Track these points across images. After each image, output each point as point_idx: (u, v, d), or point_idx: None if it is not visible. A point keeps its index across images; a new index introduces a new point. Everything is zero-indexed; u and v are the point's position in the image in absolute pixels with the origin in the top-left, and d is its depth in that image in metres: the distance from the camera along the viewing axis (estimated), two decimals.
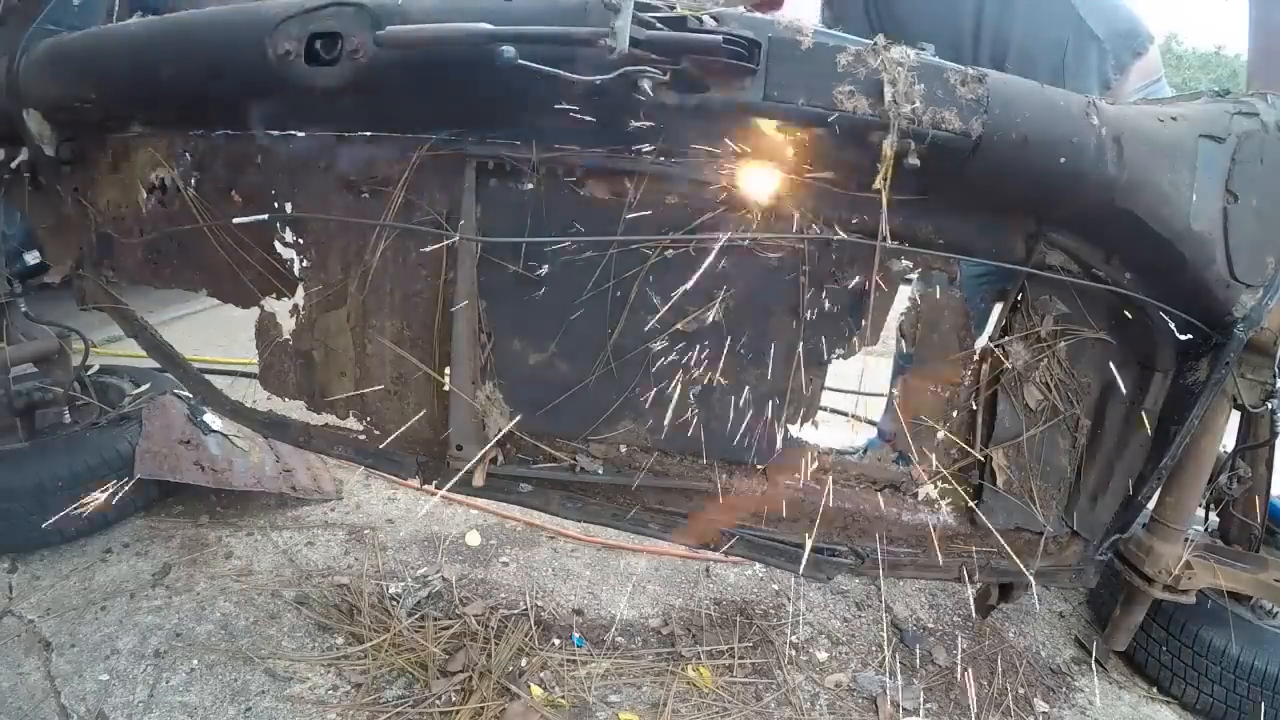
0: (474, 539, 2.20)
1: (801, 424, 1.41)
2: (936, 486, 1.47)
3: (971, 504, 1.47)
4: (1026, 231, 1.28)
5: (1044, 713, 1.73)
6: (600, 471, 1.44)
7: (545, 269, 1.33)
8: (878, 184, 1.09)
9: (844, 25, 2.04)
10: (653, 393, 1.38)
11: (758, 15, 1.12)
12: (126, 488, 1.96)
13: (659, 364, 1.37)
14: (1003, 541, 1.42)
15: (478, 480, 1.42)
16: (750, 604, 2.00)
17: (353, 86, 1.18)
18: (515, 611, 1.88)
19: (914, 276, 1.38)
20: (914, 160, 1.06)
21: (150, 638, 1.70)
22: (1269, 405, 1.47)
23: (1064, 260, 1.29)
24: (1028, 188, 1.18)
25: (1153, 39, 1.88)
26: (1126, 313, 1.35)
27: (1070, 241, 1.27)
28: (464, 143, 1.29)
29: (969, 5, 1.84)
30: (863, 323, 1.33)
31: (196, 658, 1.65)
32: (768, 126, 1.12)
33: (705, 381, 1.38)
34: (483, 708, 1.56)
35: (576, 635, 1.82)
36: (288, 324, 1.50)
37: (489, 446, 1.39)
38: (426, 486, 1.54)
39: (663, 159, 1.26)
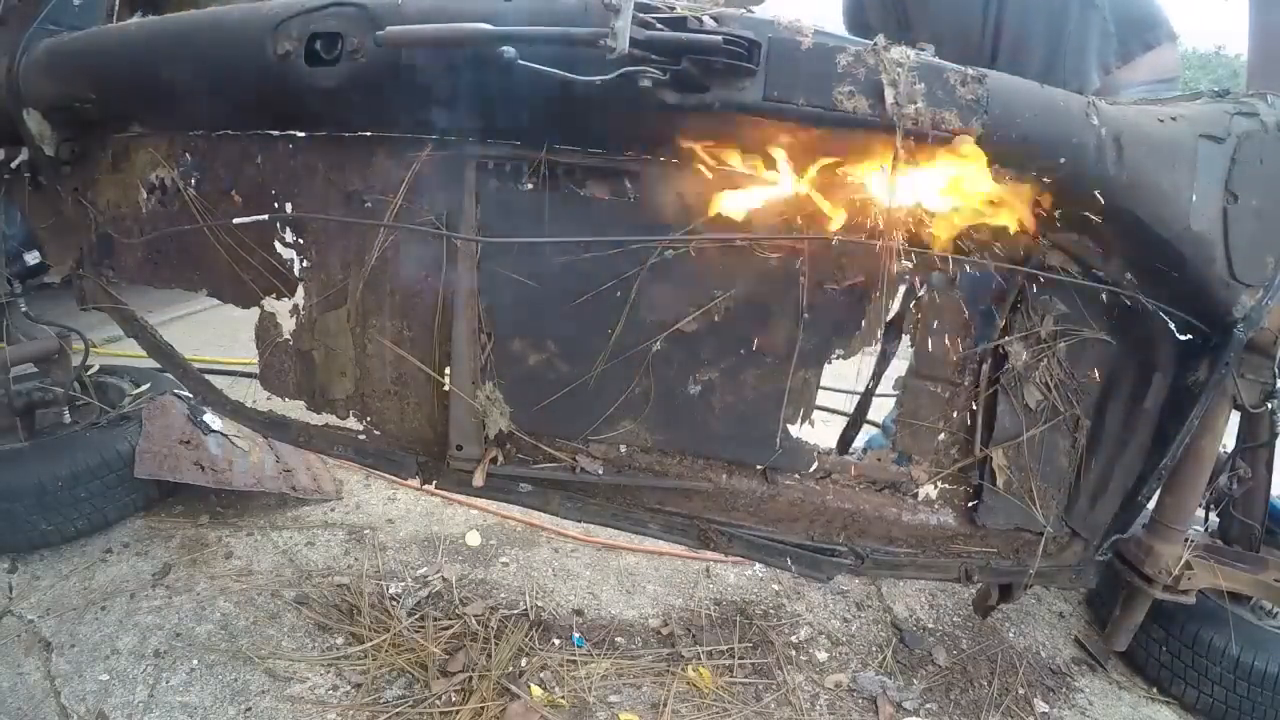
0: (474, 539, 2.20)
1: (801, 424, 1.41)
2: (936, 487, 1.47)
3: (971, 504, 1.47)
4: (1026, 231, 1.28)
5: (1044, 713, 1.73)
6: (600, 472, 1.44)
7: (545, 269, 1.33)
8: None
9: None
10: (653, 393, 1.38)
11: (758, 15, 1.12)
12: None
13: (659, 364, 1.37)
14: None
15: (478, 480, 1.42)
16: (750, 604, 2.00)
17: (353, 86, 1.18)
18: (515, 611, 1.88)
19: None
20: None
21: (150, 638, 1.70)
22: (1269, 405, 1.47)
23: (1064, 260, 1.29)
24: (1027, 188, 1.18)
25: (1174, 37, 1.84)
26: (1126, 313, 1.35)
27: (1070, 241, 1.27)
28: (464, 143, 1.29)
29: None
30: (862, 322, 1.34)
31: (196, 658, 1.65)
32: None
33: (705, 382, 1.38)
34: (483, 708, 1.56)
35: (576, 635, 1.82)
36: (288, 324, 1.50)
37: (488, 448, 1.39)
38: (426, 486, 1.54)
39: (662, 159, 1.26)
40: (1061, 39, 1.77)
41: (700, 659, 1.77)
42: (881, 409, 2.12)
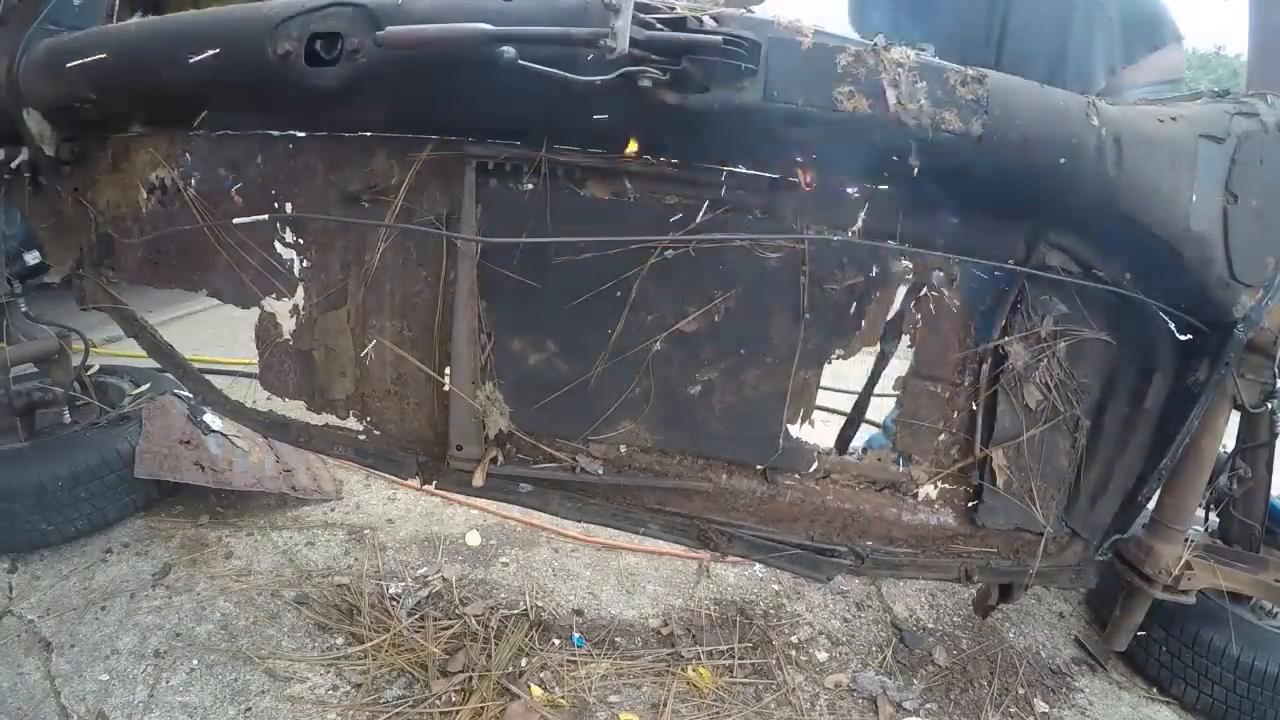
0: (474, 539, 2.20)
1: (801, 424, 1.41)
2: (936, 487, 1.47)
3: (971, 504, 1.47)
4: (1026, 231, 1.28)
5: (1044, 713, 1.73)
6: (600, 472, 1.44)
7: (545, 269, 1.33)
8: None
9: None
10: (653, 393, 1.38)
11: (758, 15, 1.12)
12: None
13: (659, 364, 1.37)
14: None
15: (478, 480, 1.42)
16: (750, 604, 2.00)
17: (353, 86, 1.18)
18: (515, 611, 1.88)
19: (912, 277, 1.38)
20: (914, 161, 1.06)
21: (150, 638, 1.70)
22: (1269, 405, 1.47)
23: (1064, 260, 1.29)
24: (1028, 188, 1.18)
25: (1180, 38, 1.84)
26: (1126, 313, 1.35)
27: (1070, 242, 1.27)
28: (464, 143, 1.29)
29: None
30: (862, 322, 1.34)
31: (196, 658, 1.65)
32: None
33: (705, 382, 1.38)
34: (483, 708, 1.56)
35: (576, 635, 1.82)
36: (288, 324, 1.50)
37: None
38: (426, 486, 1.54)
39: (662, 160, 1.26)
40: (1067, 39, 1.77)
41: (700, 659, 1.77)
42: (881, 409, 2.12)
